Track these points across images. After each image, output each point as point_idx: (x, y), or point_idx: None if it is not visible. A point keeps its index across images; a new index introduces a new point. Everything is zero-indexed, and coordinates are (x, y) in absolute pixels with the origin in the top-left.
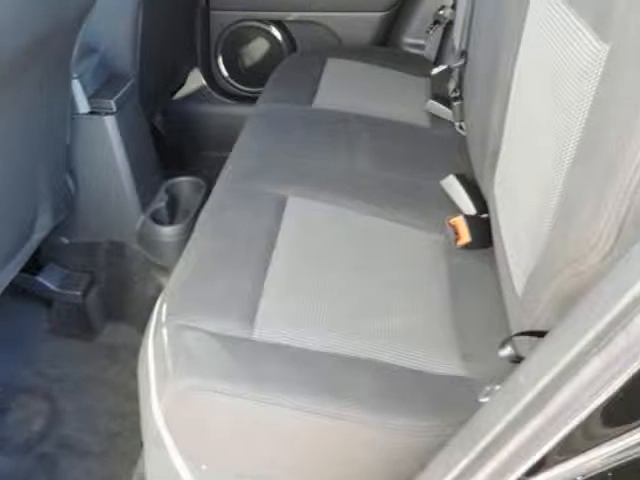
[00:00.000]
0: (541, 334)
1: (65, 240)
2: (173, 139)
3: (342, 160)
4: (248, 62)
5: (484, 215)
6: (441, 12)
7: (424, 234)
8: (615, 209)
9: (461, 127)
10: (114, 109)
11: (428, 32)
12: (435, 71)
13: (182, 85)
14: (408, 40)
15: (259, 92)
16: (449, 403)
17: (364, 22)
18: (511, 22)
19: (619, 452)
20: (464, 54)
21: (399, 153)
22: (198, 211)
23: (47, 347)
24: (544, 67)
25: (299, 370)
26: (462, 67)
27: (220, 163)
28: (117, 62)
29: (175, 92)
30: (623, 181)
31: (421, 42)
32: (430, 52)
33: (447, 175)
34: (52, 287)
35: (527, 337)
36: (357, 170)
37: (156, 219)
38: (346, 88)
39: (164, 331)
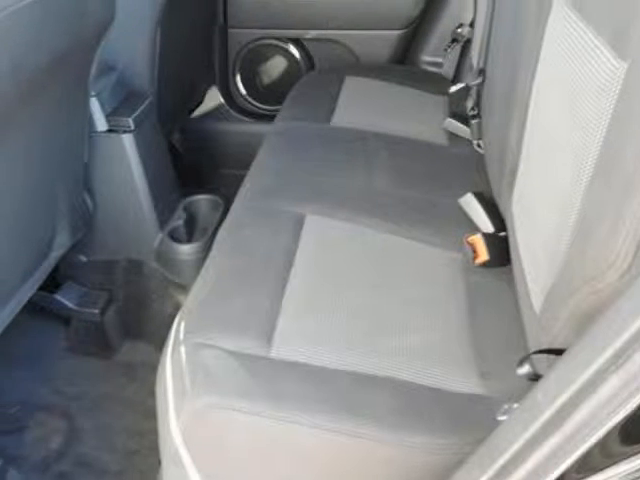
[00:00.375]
0: (559, 352)
1: (83, 258)
2: (191, 157)
3: (360, 178)
4: (266, 80)
5: (502, 233)
6: (459, 30)
7: (442, 252)
8: (633, 227)
9: (479, 145)
10: (132, 127)
11: (446, 50)
12: (453, 89)
13: (200, 103)
14: (426, 58)
15: (277, 110)
16: (467, 421)
17: (382, 40)
18: (529, 40)
19: (637, 470)
20: (482, 72)
21: (417, 171)
22: (216, 229)
23: (65, 365)
24: (562, 85)
25: (317, 388)
26: (480, 85)
27: (238, 181)
28: (135, 80)
29: (193, 110)
30: None
31: (439, 60)
32: (448, 70)
33: (465, 193)
34: (70, 305)
35: (545, 355)
36: (375, 188)
37: (174, 237)
38: (364, 106)
39: (182, 349)
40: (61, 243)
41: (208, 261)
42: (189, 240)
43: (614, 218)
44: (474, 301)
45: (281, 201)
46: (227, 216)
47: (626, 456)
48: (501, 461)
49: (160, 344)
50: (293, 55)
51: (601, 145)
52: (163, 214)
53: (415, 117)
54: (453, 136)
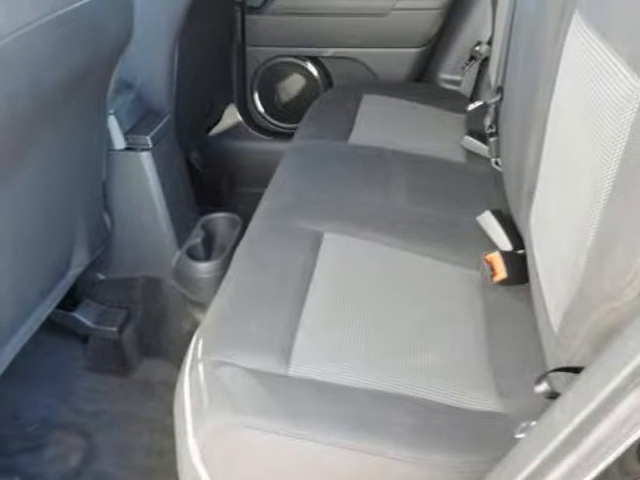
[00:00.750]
0: (577, 370)
1: (101, 276)
2: (209, 175)
3: (378, 196)
4: (284, 98)
5: (520, 251)
6: (477, 48)
7: (460, 270)
8: None
9: (497, 163)
10: (150, 145)
11: (464, 68)
12: (471, 107)
13: (218, 121)
14: (444, 76)
15: (295, 128)
16: (485, 439)
17: (400, 58)
18: (547, 58)
19: None
20: (500, 90)
21: (435, 189)
22: (234, 247)
23: (83, 383)
24: (580, 103)
25: (335, 406)
26: (498, 103)
27: (256, 199)
28: (153, 98)
29: (211, 128)
30: None
31: (457, 78)
32: (466, 88)
33: (483, 211)
34: (88, 323)
35: (563, 373)
36: (393, 206)
37: (192, 255)
38: (382, 124)
39: (200, 367)
40: (79, 261)
41: (226, 279)
42: (207, 258)
43: (632, 236)
44: (492, 319)
45: (299, 219)
46: (245, 234)
47: None
48: (519, 479)
49: (178, 362)
50: (311, 73)
51: (619, 163)
52: (181, 232)
53: (433, 135)
54: (471, 154)
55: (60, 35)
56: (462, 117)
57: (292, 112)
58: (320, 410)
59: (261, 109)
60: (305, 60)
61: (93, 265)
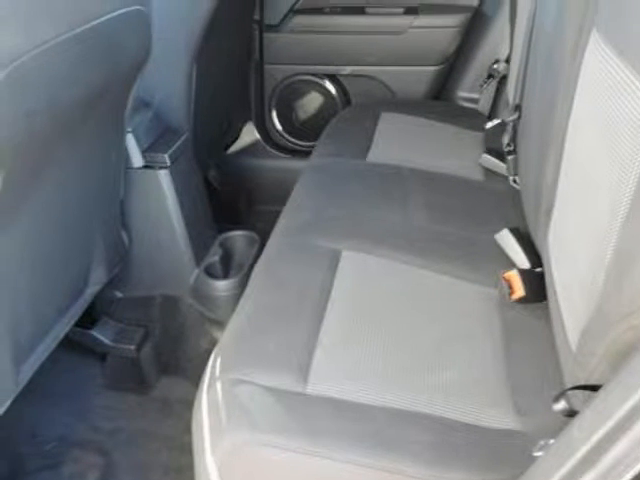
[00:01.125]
0: (595, 388)
1: (119, 294)
2: (227, 193)
3: (396, 214)
4: (302, 116)
5: (538, 269)
6: (495, 66)
7: (478, 288)
8: None
9: (515, 181)
10: (168, 163)
11: (482, 86)
12: (489, 125)
13: (236, 139)
14: (462, 94)
15: (313, 146)
16: (503, 457)
17: (418, 76)
18: (565, 76)
19: None
20: (518, 108)
21: (453, 207)
22: (252, 265)
23: (101, 401)
24: (598, 121)
25: (353, 424)
26: (516, 121)
27: (274, 217)
28: (171, 116)
29: (229, 146)
30: None
31: (475, 96)
32: (484, 106)
33: (501, 229)
34: (106, 341)
35: (581, 391)
36: (411, 224)
37: (210, 273)
38: (400, 142)
39: (218, 385)
40: (97, 279)
41: (244, 297)
42: (225, 276)
43: None
44: (510, 337)
45: (317, 237)
46: (263, 252)
47: None
48: None
49: (196, 380)
50: (329, 91)
51: (637, 181)
52: (199, 250)
53: (451, 153)
54: (489, 172)
55: (78, 53)
56: (480, 135)
57: (310, 130)
58: (338, 428)
59: (279, 127)
60: (323, 78)
61: (111, 283)
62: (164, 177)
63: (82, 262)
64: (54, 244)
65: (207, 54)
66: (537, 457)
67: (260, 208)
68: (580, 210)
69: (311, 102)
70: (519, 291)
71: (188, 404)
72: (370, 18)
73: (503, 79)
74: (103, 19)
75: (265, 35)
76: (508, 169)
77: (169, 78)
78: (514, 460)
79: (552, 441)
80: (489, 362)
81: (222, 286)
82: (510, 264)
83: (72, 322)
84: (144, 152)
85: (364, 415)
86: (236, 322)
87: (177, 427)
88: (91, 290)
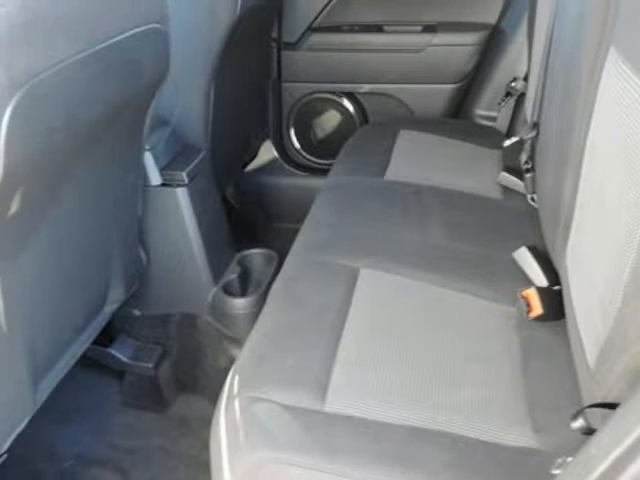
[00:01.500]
0: (613, 406)
1: (137, 312)
2: (245, 211)
3: (414, 232)
4: (320, 134)
5: (556, 287)
6: (513, 84)
7: (496, 306)
8: None
9: (533, 199)
10: (186, 181)
11: (500, 104)
12: (507, 143)
13: (254, 157)
14: (480, 112)
15: (331, 164)
16: (522, 475)
17: (436, 94)
18: (583, 94)
19: None
20: (536, 126)
21: (471, 225)
22: (270, 283)
23: (119, 419)
24: (616, 139)
25: (371, 442)
26: (534, 139)
27: (292, 235)
28: (189, 134)
29: (247, 164)
30: None
31: (493, 114)
32: (502, 124)
33: (519, 247)
34: (124, 359)
35: (599, 409)
36: (429, 242)
37: (228, 291)
38: (418, 160)
39: (236, 403)
40: (115, 297)
41: (262, 315)
42: (243, 294)
43: None
44: (528, 355)
45: (335, 255)
46: (281, 270)
47: None
48: None
49: (214, 398)
50: (347, 109)
51: None
52: (217, 268)
53: (469, 171)
54: (507, 190)
55: (96, 71)
56: (498, 153)
57: (328, 148)
58: (357, 446)
59: (297, 145)
60: (341, 96)
61: (129, 301)
62: (182, 195)
63: (100, 280)
64: (72, 261)
65: (225, 72)
66: (555, 475)
67: (278, 226)
68: (598, 229)
69: (329, 120)
70: (537, 309)
71: (206, 422)
72: (388, 36)
73: (521, 97)
74: (122, 37)
75: (283, 53)
76: (526, 187)
77: (187, 96)
78: (532, 478)
79: (570, 459)
80: (507, 380)
81: (240, 304)
82: (528, 282)
83: (90, 340)
84: (162, 170)
85: (383, 433)
86: (254, 340)
87: (195, 445)
88: (109, 308)
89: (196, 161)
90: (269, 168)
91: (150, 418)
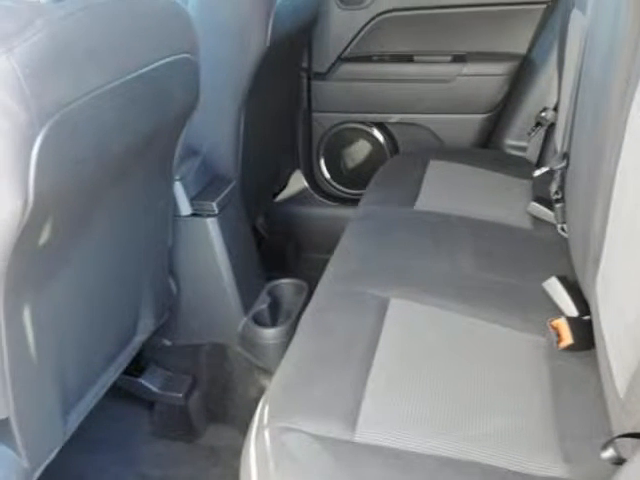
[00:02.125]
0: None
1: (167, 342)
2: (275, 241)
3: (444, 262)
4: (350, 164)
5: (586, 317)
6: (543, 114)
7: (526, 336)
8: None
9: (563, 229)
10: (216, 211)
11: (530, 134)
12: (537, 173)
13: (284, 187)
14: (510, 142)
15: (361, 194)
16: None
17: (466, 124)
18: (613, 124)
19: None
20: (566, 156)
21: (501, 255)
22: (300, 313)
23: (149, 449)
24: None
25: (401, 472)
26: (564, 169)
27: (322, 265)
28: (219, 164)
29: (277, 194)
30: None
31: (523, 144)
32: (532, 154)
33: (549, 277)
34: (154, 389)
35: (629, 439)
36: (459, 272)
37: (258, 321)
38: (448, 190)
39: (266, 433)
40: (145, 327)
41: (292, 345)
42: (273, 324)
43: None
44: (558, 385)
45: (365, 285)
46: (311, 300)
47: None
48: None
49: (244, 428)
50: (377, 139)
51: None
52: (247, 298)
53: (499, 201)
54: (537, 220)
55: (126, 100)
56: (528, 183)
57: (358, 178)
58: (386, 476)
59: (327, 175)
60: (371, 126)
61: (159, 331)
62: (212, 225)
63: (131, 310)
64: (103, 291)
65: (255, 102)
66: None
67: (308, 256)
68: (628, 259)
69: (359, 150)
70: (567, 339)
71: (236, 452)
72: (418, 66)
73: (551, 127)
74: (151, 67)
75: (313, 83)
76: (556, 217)
77: (217, 126)
78: None
79: None
80: (537, 410)
81: (270, 334)
82: (558, 312)
83: (120, 370)
84: (192, 200)
85: (413, 463)
86: (284, 370)
87: (225, 475)
88: (139, 338)
89: (226, 191)
90: (299, 198)
91: (180, 448)
